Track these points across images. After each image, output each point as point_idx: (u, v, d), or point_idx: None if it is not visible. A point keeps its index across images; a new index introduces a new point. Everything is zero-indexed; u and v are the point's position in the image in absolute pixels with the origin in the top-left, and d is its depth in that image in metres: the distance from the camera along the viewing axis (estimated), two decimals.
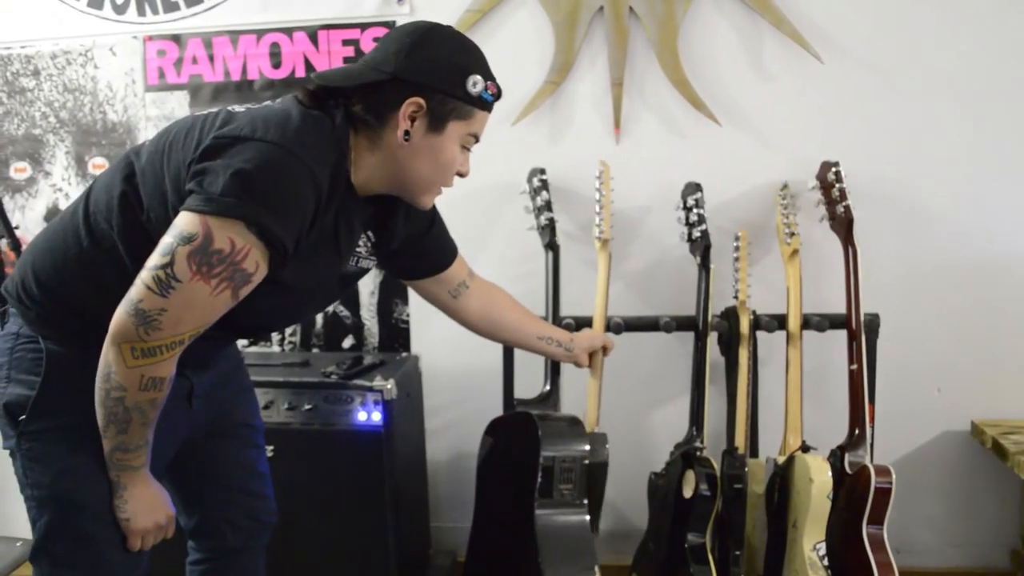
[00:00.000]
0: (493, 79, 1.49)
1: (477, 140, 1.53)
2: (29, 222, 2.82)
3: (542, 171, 2.36)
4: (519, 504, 2.05)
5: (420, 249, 1.76)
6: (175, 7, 2.65)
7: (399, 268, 1.82)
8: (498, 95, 1.50)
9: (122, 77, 2.72)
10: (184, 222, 1.29)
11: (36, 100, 2.79)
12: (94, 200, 1.46)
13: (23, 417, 1.46)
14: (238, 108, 1.43)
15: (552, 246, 2.29)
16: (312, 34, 2.59)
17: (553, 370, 2.24)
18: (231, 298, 1.33)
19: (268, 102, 1.47)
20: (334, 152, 1.41)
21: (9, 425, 1.48)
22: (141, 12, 2.68)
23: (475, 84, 1.44)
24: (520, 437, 2.09)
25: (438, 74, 1.42)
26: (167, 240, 1.29)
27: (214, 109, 1.45)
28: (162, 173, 1.39)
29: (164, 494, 1.52)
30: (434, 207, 1.72)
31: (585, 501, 2.04)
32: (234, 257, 1.29)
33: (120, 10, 2.69)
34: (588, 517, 2.04)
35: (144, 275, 1.29)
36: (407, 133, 1.42)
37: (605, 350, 2.18)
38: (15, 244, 2.32)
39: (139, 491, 1.47)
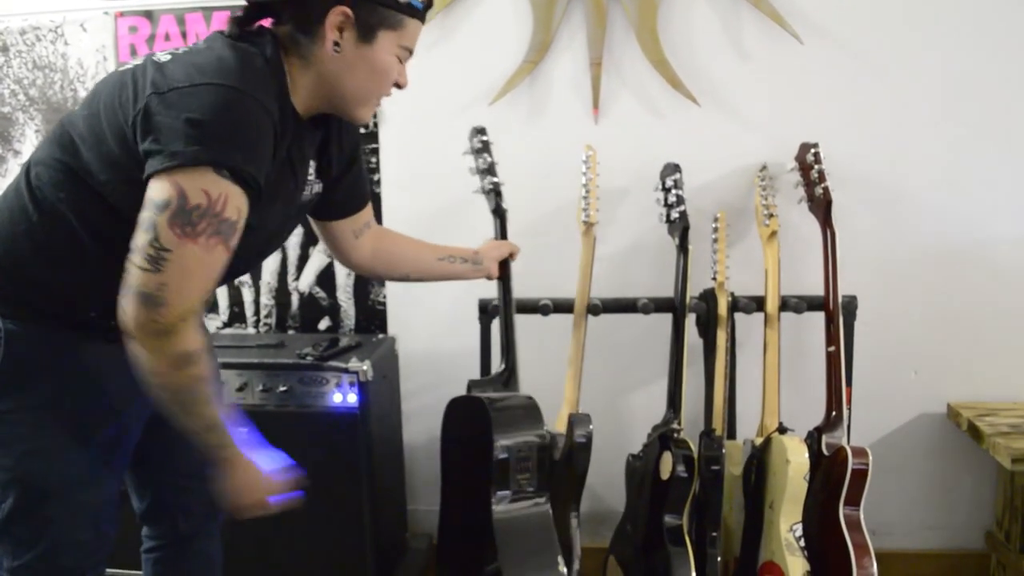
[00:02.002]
0: None
1: (411, 53, 1.49)
2: None
3: (481, 131, 2.22)
4: (482, 486, 2.01)
5: (348, 183, 1.72)
6: None
7: (330, 203, 1.74)
8: (429, 3, 1.46)
9: (93, 54, 2.67)
10: (155, 190, 1.25)
11: (5, 77, 2.74)
12: (35, 175, 1.42)
13: None
14: (163, 56, 1.37)
15: (499, 212, 2.17)
16: None
17: (507, 348, 2.12)
18: (225, 251, 1.29)
19: (191, 45, 1.43)
20: (274, 82, 1.38)
21: None
22: None
23: None
24: (477, 421, 1.99)
25: None
26: (144, 215, 1.25)
27: (137, 61, 1.40)
28: (104, 134, 1.34)
29: (264, 473, 1.47)
30: (357, 147, 1.71)
31: (544, 493, 1.92)
32: (214, 208, 1.25)
33: None
34: (548, 507, 1.91)
35: (134, 257, 1.26)
36: (336, 44, 1.40)
37: (512, 256, 2.13)
38: None
39: (237, 473, 1.43)
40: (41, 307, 1.41)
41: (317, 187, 1.62)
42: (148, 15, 2.61)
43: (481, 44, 2.45)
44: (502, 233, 2.16)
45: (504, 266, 2.11)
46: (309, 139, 1.52)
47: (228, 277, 1.56)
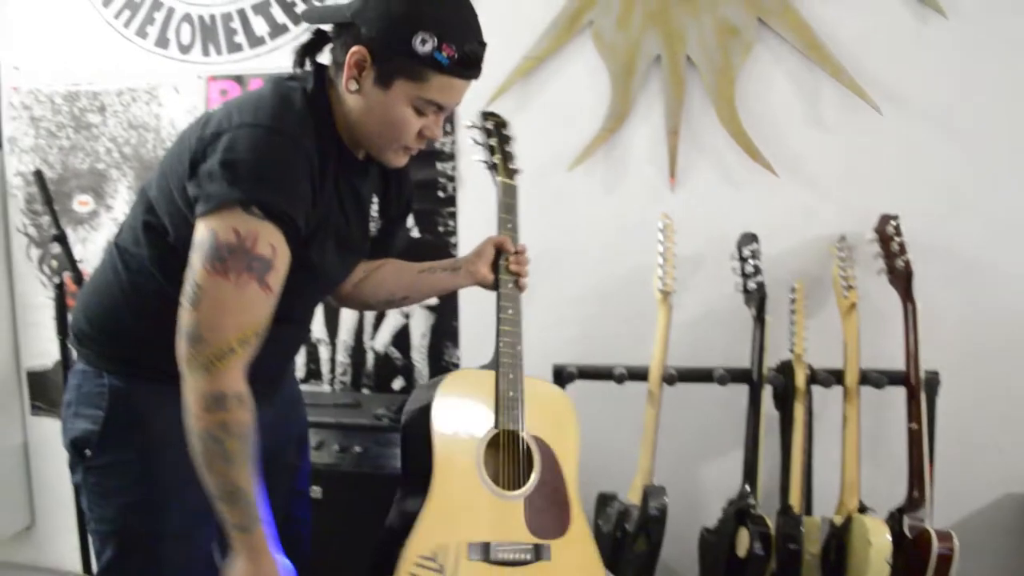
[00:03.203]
0: (459, 38, 1.35)
1: (441, 108, 1.42)
2: (90, 254, 2.88)
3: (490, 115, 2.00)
4: None
5: (391, 230, 1.73)
6: (238, 48, 2.71)
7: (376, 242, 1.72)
8: (462, 59, 1.36)
9: (185, 115, 2.78)
10: (196, 233, 1.31)
11: (101, 135, 2.86)
12: (122, 239, 1.50)
13: (88, 452, 1.48)
14: (216, 107, 1.43)
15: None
16: None
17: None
18: (261, 289, 1.30)
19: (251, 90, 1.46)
20: (312, 117, 1.39)
21: (76, 460, 1.51)
22: (205, 52, 2.74)
23: (423, 42, 1.33)
24: None
25: (384, 25, 1.35)
26: (189, 258, 1.31)
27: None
28: (171, 194, 1.40)
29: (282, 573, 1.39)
30: (411, 197, 1.71)
31: None
32: (243, 244, 1.28)
33: (185, 50, 2.75)
34: None
35: (181, 298, 1.30)
36: (356, 83, 1.38)
37: (504, 248, 1.83)
38: (78, 277, 2.36)
39: (252, 564, 1.36)
40: (142, 362, 1.46)
41: (378, 224, 1.64)
42: (238, 79, 2.71)
43: (559, 111, 2.48)
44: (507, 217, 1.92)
45: (498, 268, 1.84)
46: (362, 173, 1.52)
47: (297, 312, 1.58)
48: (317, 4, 1.47)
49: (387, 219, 1.68)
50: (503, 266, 1.81)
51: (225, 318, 1.29)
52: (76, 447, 1.49)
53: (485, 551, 1.64)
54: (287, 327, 1.54)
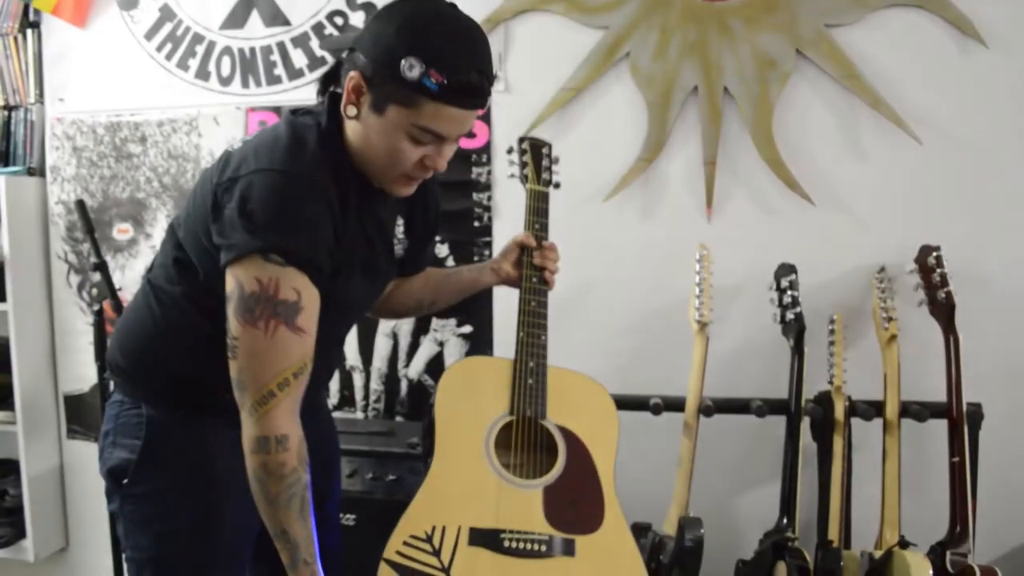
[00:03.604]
0: (450, 66, 1.32)
1: (440, 137, 1.40)
2: (129, 281, 2.91)
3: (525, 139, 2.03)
4: None
5: (420, 248, 1.74)
6: (278, 80, 2.75)
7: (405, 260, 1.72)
8: (454, 87, 1.33)
9: (223, 145, 2.80)
10: (226, 286, 1.34)
11: (142, 165, 2.91)
12: (154, 275, 1.53)
13: (125, 480, 1.50)
14: (236, 144, 1.44)
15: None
16: None
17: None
18: (292, 332, 1.33)
19: (267, 126, 1.48)
20: (329, 153, 1.40)
21: (113, 489, 1.52)
22: (245, 84, 2.78)
23: (410, 68, 1.30)
24: None
25: (376, 51, 1.35)
26: (227, 310, 1.34)
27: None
28: (198, 235, 1.42)
29: None
30: (439, 216, 1.72)
31: None
32: (267, 293, 1.31)
33: (225, 82, 2.80)
34: None
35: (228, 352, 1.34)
36: (354, 108, 1.39)
37: (528, 244, 1.82)
38: (117, 305, 2.39)
39: None
40: (177, 395, 1.48)
41: (405, 244, 1.65)
42: (277, 111, 2.74)
43: (596, 142, 2.50)
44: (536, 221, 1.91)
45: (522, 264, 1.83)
46: (382, 199, 1.52)
47: (336, 334, 1.60)
48: (337, 35, 1.50)
49: (414, 238, 1.69)
50: (527, 261, 1.82)
51: (260, 365, 1.33)
52: (113, 476, 1.52)
53: (489, 538, 1.59)
54: (315, 351, 1.55)
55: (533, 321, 1.78)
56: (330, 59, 1.48)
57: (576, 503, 1.68)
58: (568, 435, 1.73)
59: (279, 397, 1.33)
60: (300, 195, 1.34)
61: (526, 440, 1.72)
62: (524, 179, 1.95)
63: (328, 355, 1.71)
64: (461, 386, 1.73)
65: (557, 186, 1.97)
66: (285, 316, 1.32)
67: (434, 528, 1.59)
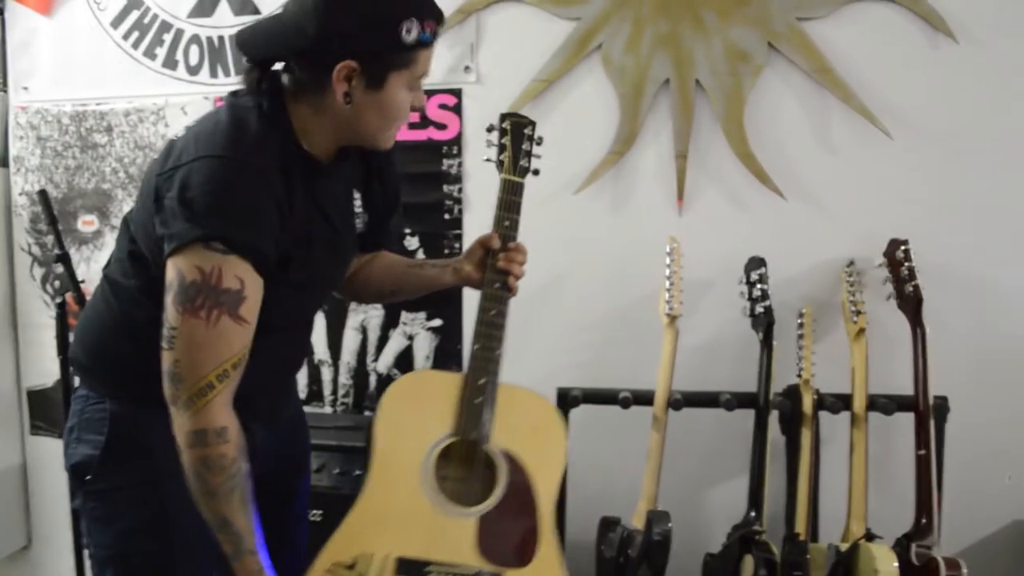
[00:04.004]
0: (428, 8, 1.38)
1: (426, 75, 1.45)
2: (94, 274, 2.85)
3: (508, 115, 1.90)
4: None
5: (384, 224, 1.71)
6: None
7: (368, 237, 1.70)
8: (437, 27, 1.39)
9: None
10: (166, 275, 1.31)
11: (107, 155, 2.86)
12: (111, 270, 1.52)
13: (89, 477, 1.48)
14: (180, 131, 1.43)
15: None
16: None
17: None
18: (234, 322, 1.31)
19: (210, 111, 1.46)
20: (275, 135, 1.38)
21: (77, 485, 1.51)
22: (213, 74, 2.74)
23: (409, 31, 1.35)
24: None
25: (366, 31, 1.35)
26: (164, 300, 1.32)
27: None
28: (147, 226, 1.40)
29: None
30: (399, 189, 1.70)
31: None
32: (209, 281, 1.28)
33: (193, 71, 2.76)
34: None
35: (161, 342, 1.32)
36: (347, 95, 1.38)
37: (491, 245, 1.71)
38: (80, 297, 2.35)
39: None
40: (140, 388, 1.45)
41: (365, 218, 1.63)
42: None
43: (567, 135, 2.48)
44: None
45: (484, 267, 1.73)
46: (339, 176, 1.52)
47: (292, 321, 1.58)
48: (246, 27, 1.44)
49: (375, 213, 1.66)
50: (490, 264, 1.70)
51: (201, 355, 1.30)
52: (76, 472, 1.50)
53: (415, 570, 1.52)
54: (281, 336, 1.54)
55: (489, 332, 1.67)
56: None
57: (512, 534, 1.61)
58: (511, 461, 1.64)
59: (218, 389, 1.31)
60: (241, 181, 1.32)
61: (468, 463, 1.64)
62: (500, 165, 1.81)
63: (297, 340, 1.69)
64: (405, 402, 1.65)
65: (536, 173, 1.84)
66: (228, 305, 1.30)
67: (361, 555, 1.54)
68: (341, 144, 1.49)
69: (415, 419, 1.63)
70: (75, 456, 1.49)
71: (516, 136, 1.84)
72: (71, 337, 1.61)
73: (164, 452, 1.45)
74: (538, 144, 1.86)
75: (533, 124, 1.86)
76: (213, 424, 1.32)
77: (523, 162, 1.82)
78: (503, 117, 1.87)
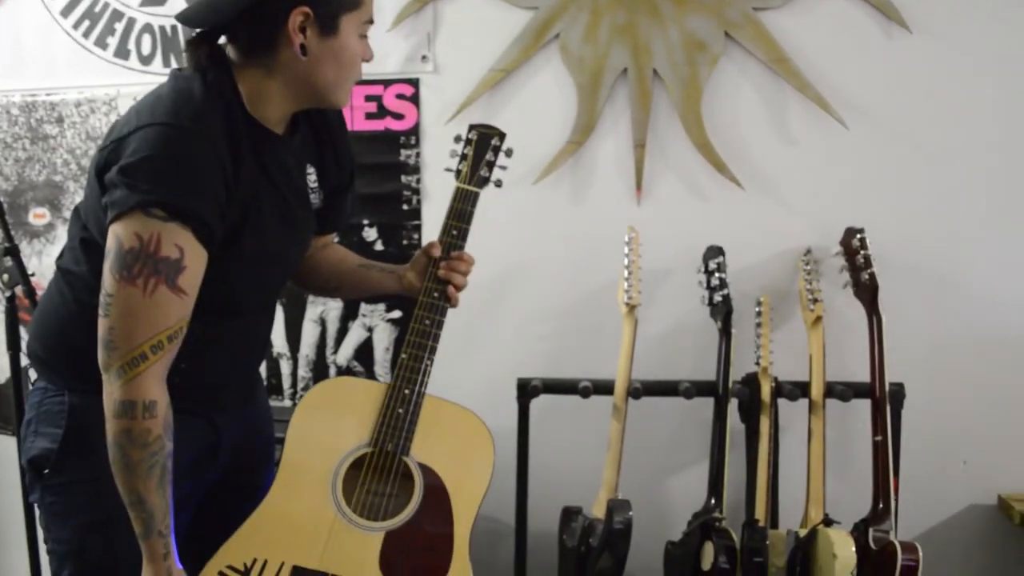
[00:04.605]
0: None
1: (372, 22, 1.46)
2: (46, 268, 2.81)
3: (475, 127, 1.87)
4: None
5: (337, 203, 1.68)
6: None
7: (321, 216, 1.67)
8: None
9: None
10: (107, 243, 1.30)
11: (59, 147, 2.80)
12: (63, 261, 1.50)
13: (47, 471, 1.46)
14: (124, 112, 1.42)
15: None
16: None
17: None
18: (172, 291, 1.29)
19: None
20: (219, 103, 1.36)
21: (34, 479, 1.48)
22: (167, 63, 2.70)
23: None
24: None
25: None
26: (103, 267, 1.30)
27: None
28: (96, 209, 1.38)
29: None
30: (354, 166, 1.67)
31: None
32: (147, 249, 1.26)
33: (146, 61, 2.71)
34: None
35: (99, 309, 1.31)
36: (303, 47, 1.37)
37: (432, 253, 1.68)
38: (30, 291, 2.30)
39: (144, 570, 1.38)
40: (98, 378, 1.43)
41: (320, 195, 1.61)
42: None
43: (525, 124, 2.45)
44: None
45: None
46: (290, 148, 1.50)
47: (252, 303, 1.55)
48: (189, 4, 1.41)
49: (329, 190, 1.63)
50: (431, 273, 1.67)
51: (136, 324, 1.29)
52: (34, 466, 1.48)
53: None
54: (243, 322, 1.53)
55: (419, 342, 1.63)
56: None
57: (421, 553, 1.56)
58: (430, 475, 1.59)
59: (151, 360, 1.29)
60: (182, 146, 1.30)
61: (382, 476, 1.59)
62: (457, 174, 1.77)
63: (259, 326, 1.66)
64: (323, 408, 1.60)
65: (499, 184, 1.81)
66: (166, 274, 1.28)
67: (255, 561, 1.49)
68: (295, 108, 1.48)
69: (330, 426, 1.59)
70: (33, 449, 1.47)
71: (480, 147, 1.81)
72: (22, 331, 1.58)
73: None
74: (507, 155, 1.83)
75: (502, 136, 1.83)
76: (143, 396, 1.30)
77: (482, 172, 1.78)
78: (471, 128, 1.84)
